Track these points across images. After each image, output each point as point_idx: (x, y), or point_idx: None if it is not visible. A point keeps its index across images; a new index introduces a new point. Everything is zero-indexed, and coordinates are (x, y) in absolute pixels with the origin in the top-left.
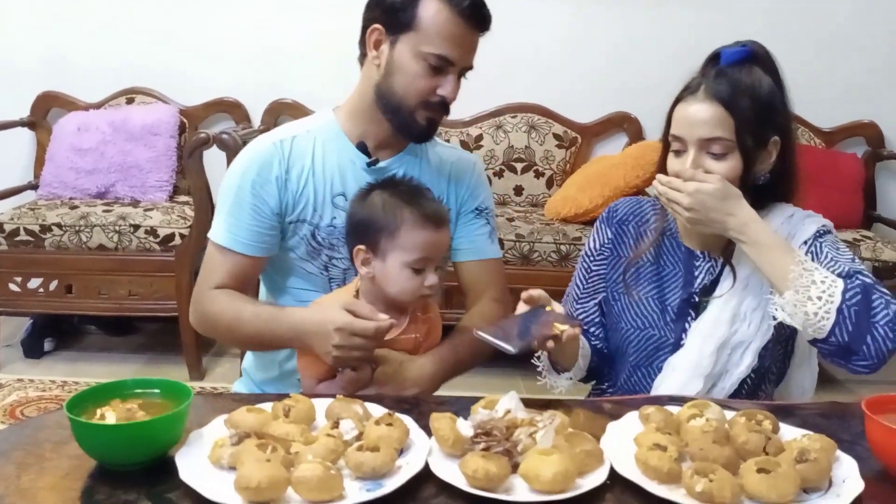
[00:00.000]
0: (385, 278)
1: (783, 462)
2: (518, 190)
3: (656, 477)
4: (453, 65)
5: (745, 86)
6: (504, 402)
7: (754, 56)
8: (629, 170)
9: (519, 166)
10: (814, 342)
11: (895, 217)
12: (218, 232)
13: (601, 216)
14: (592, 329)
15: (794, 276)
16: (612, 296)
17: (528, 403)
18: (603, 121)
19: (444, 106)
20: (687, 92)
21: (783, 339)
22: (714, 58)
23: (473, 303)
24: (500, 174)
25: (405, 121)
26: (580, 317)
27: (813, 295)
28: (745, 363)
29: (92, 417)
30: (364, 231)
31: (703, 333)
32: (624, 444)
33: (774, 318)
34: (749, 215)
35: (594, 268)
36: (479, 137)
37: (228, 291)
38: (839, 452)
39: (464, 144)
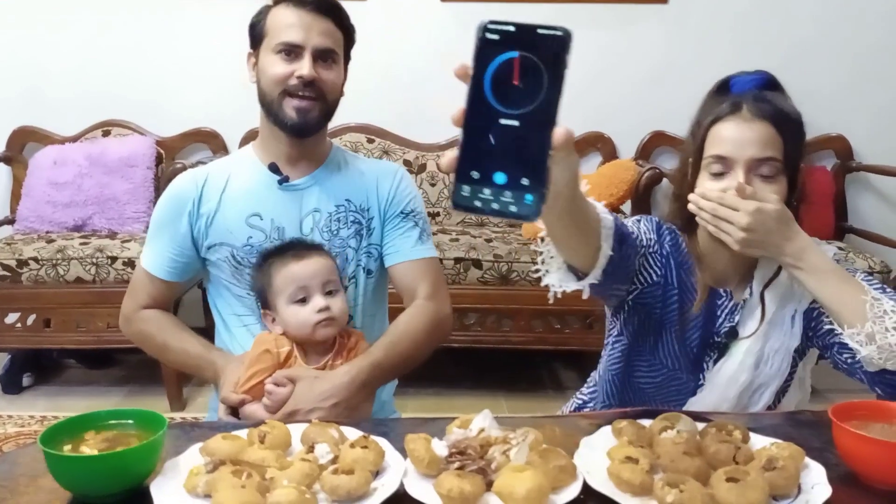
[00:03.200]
0: (286, 324)
1: (752, 470)
2: None
3: (629, 490)
4: (301, 47)
5: (787, 109)
6: (478, 420)
7: (771, 83)
8: (603, 189)
9: None
10: (879, 373)
11: (867, 228)
12: (143, 257)
13: (651, 220)
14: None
15: (868, 306)
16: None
17: (503, 423)
18: (577, 140)
19: (309, 88)
20: (726, 113)
21: None
22: (724, 85)
23: (408, 304)
24: None
25: (277, 115)
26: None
27: (889, 325)
28: (762, 403)
29: (66, 450)
30: (260, 296)
31: (727, 377)
32: (597, 458)
33: (851, 357)
34: (806, 241)
35: (652, 264)
36: None
37: (158, 313)
38: (808, 459)
39: (440, 168)
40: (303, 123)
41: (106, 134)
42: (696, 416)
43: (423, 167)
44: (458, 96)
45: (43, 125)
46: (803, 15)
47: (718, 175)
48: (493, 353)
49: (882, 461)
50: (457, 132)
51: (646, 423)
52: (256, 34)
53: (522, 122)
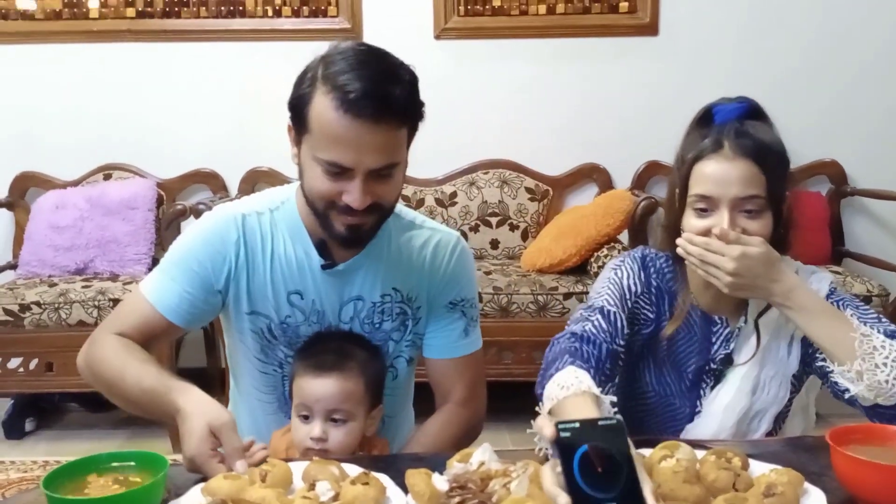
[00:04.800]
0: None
1: (751, 497)
2: (494, 243)
3: None
4: (351, 169)
5: (768, 142)
6: (478, 454)
7: (755, 111)
8: (600, 219)
9: (493, 220)
10: (873, 407)
11: (863, 252)
12: (148, 285)
13: (635, 259)
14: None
15: (857, 343)
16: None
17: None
18: (573, 172)
19: (358, 211)
20: (707, 150)
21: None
22: (706, 114)
23: (440, 402)
24: (475, 229)
25: (325, 225)
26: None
27: (878, 362)
28: (761, 430)
29: (69, 493)
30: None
31: (724, 404)
32: None
33: (847, 391)
34: (793, 281)
35: (643, 307)
36: (454, 195)
37: (126, 341)
38: (807, 485)
39: (438, 202)
40: (355, 238)
41: (107, 177)
42: (695, 444)
43: (421, 202)
44: (454, 131)
45: (44, 170)
46: (793, 43)
47: (703, 211)
48: (495, 385)
49: (880, 484)
50: (453, 167)
51: (645, 452)
52: (300, 121)
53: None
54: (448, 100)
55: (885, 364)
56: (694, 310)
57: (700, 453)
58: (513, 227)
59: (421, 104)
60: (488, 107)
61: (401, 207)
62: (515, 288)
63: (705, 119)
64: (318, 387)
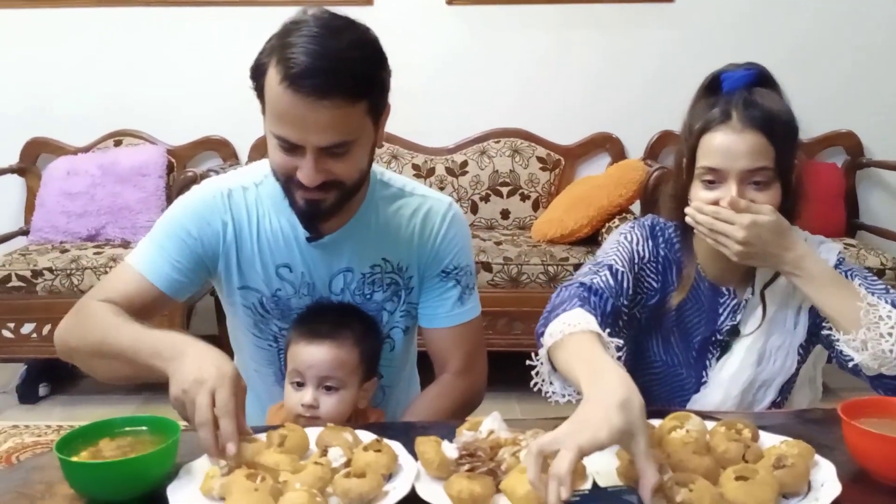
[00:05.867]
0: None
1: (761, 469)
2: (505, 213)
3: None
4: (301, 146)
5: (776, 111)
6: (487, 422)
7: (763, 78)
8: (612, 189)
9: (504, 190)
10: (877, 377)
11: (878, 224)
12: (136, 255)
13: (644, 226)
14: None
15: (863, 313)
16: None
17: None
18: (585, 142)
19: (313, 188)
20: (716, 122)
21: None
22: (714, 81)
23: (438, 372)
24: (486, 199)
25: (289, 199)
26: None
27: (883, 331)
28: (767, 399)
29: (82, 457)
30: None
31: (730, 374)
32: (606, 458)
33: (851, 360)
34: (803, 249)
35: (648, 275)
36: (465, 164)
37: (117, 307)
38: (817, 457)
39: (449, 171)
40: (315, 213)
41: (118, 144)
42: (706, 416)
43: (431, 171)
44: (465, 100)
45: (55, 136)
46: (809, 10)
47: (711, 183)
48: (505, 355)
49: (892, 457)
50: (464, 136)
51: (655, 422)
52: (257, 87)
53: None
54: (459, 67)
55: (889, 334)
56: (702, 280)
57: (710, 424)
58: (524, 197)
59: (382, 78)
60: (500, 75)
61: (391, 175)
62: (526, 258)
63: (713, 87)
64: (312, 353)
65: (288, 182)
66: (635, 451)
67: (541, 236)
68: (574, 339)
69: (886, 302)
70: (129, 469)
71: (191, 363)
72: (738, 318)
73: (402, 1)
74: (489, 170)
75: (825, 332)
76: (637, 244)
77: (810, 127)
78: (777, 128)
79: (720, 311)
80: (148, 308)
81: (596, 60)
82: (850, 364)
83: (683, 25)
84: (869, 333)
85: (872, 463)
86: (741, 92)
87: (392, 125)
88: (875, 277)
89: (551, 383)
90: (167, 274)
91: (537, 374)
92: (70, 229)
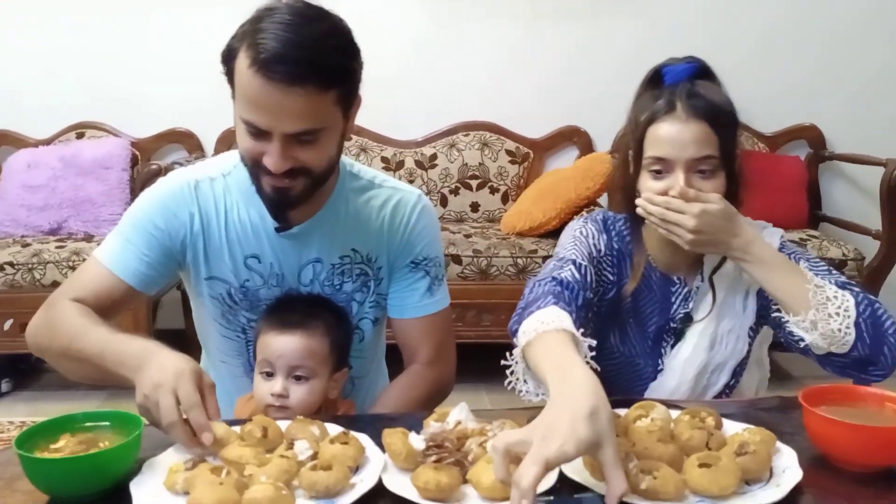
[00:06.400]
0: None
1: (724, 456)
2: (474, 206)
3: (604, 478)
4: (268, 132)
5: (718, 102)
6: (454, 413)
7: (703, 70)
8: (580, 182)
9: (474, 183)
10: (826, 356)
11: (840, 216)
12: (104, 250)
13: (596, 221)
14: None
15: (811, 294)
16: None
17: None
18: (553, 135)
19: (280, 174)
20: (661, 112)
21: None
22: (656, 75)
23: (407, 363)
24: (455, 192)
25: (257, 186)
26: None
27: (831, 312)
28: (721, 382)
29: (43, 453)
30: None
31: (684, 359)
32: None
33: (801, 340)
34: (752, 234)
35: (604, 269)
36: (434, 157)
37: (88, 309)
38: (779, 444)
39: (418, 164)
40: (283, 201)
41: (80, 136)
42: (670, 404)
43: (400, 164)
44: (432, 93)
45: (16, 128)
46: (773, 5)
47: (658, 173)
48: (474, 347)
49: (851, 443)
50: (434, 129)
51: (621, 412)
52: (227, 72)
53: None
54: (428, 59)
55: (837, 314)
56: (653, 270)
57: (675, 413)
58: (493, 190)
59: (353, 69)
60: (469, 67)
61: (360, 167)
62: (495, 251)
63: (655, 80)
64: (282, 342)
65: (255, 168)
66: (604, 461)
67: (510, 229)
68: (547, 338)
69: (832, 283)
70: (91, 464)
71: (152, 370)
72: (691, 305)
73: None
74: (458, 163)
75: (774, 314)
76: (592, 238)
77: (774, 120)
78: (720, 117)
79: (672, 299)
80: (118, 304)
81: (564, 54)
82: (801, 345)
83: (650, 17)
84: (818, 314)
85: (832, 448)
86: (684, 84)
87: (361, 117)
88: (817, 259)
89: (525, 382)
90: (135, 268)
91: (512, 372)
92: (31, 223)
